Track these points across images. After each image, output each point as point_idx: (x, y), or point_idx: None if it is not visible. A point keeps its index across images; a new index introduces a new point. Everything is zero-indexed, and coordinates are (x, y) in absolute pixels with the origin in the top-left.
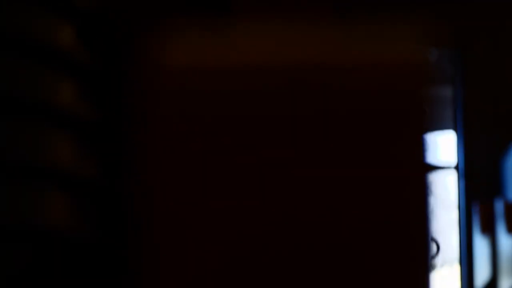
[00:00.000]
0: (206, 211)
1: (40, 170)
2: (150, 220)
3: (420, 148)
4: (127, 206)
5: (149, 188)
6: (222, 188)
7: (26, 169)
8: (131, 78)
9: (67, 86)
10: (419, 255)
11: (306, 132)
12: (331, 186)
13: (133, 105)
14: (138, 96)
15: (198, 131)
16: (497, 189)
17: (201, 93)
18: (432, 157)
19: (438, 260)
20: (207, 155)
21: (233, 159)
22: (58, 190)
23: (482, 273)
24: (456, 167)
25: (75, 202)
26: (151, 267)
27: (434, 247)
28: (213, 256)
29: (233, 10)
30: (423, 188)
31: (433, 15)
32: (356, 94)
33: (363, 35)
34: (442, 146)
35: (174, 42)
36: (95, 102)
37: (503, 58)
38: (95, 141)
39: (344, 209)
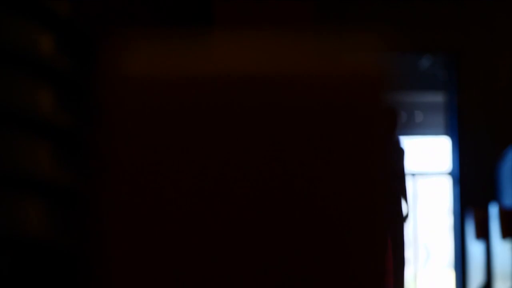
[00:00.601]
0: (159, 214)
1: (16, 179)
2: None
3: (381, 153)
4: (92, 211)
5: (109, 192)
6: (176, 192)
7: (3, 178)
8: (96, 86)
9: (45, 94)
10: (375, 256)
11: (268, 140)
12: (286, 188)
13: (97, 113)
14: (100, 104)
15: (154, 137)
16: (491, 194)
17: (155, 101)
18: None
19: (429, 265)
20: (161, 163)
21: (186, 166)
22: (35, 198)
23: (476, 277)
24: (451, 173)
25: (51, 209)
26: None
27: (425, 252)
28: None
29: (216, 22)
30: (385, 193)
31: (395, 25)
32: (316, 103)
33: (325, 46)
34: (437, 152)
35: (135, 52)
36: (71, 110)
37: (496, 64)
38: (70, 149)
39: (299, 214)
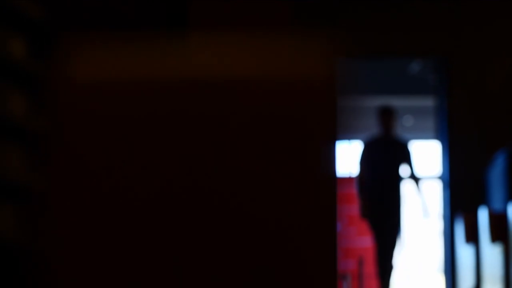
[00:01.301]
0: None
1: None
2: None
3: (325, 156)
4: (48, 211)
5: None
6: (129, 192)
7: None
8: (53, 88)
9: (18, 98)
10: (324, 259)
11: (219, 140)
12: (235, 186)
13: (54, 114)
14: (56, 106)
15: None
16: (481, 198)
17: (107, 103)
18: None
19: (420, 269)
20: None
21: (142, 163)
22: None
23: (466, 281)
24: (441, 177)
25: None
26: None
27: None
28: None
29: (190, 24)
30: (329, 194)
31: (343, 30)
32: (266, 104)
33: (276, 49)
34: (427, 156)
35: (95, 55)
36: (41, 113)
37: (486, 68)
38: (39, 151)
39: (248, 209)
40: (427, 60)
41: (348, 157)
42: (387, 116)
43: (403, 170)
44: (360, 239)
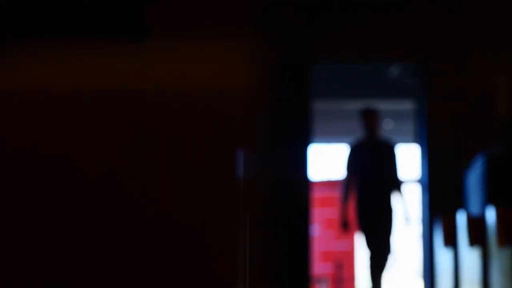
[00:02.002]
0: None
1: None
2: None
3: (235, 164)
4: None
5: None
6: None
7: None
8: None
9: None
10: (227, 264)
11: (143, 146)
12: (141, 197)
13: None
14: None
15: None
16: (459, 202)
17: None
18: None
19: (398, 272)
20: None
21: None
22: None
23: (444, 285)
24: (420, 181)
25: None
26: None
27: (394, 259)
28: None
29: (150, 35)
30: (236, 201)
31: (261, 40)
32: (188, 113)
33: (203, 59)
34: (406, 160)
35: (28, 63)
36: None
37: (465, 72)
38: None
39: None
40: (406, 64)
41: (327, 161)
42: (370, 117)
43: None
44: (338, 242)
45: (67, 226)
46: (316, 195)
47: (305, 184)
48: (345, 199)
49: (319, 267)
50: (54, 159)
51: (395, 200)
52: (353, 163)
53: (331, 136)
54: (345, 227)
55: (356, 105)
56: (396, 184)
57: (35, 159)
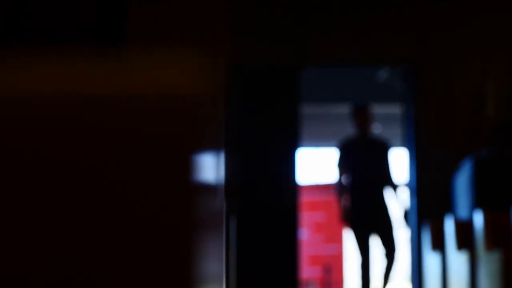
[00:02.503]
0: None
1: None
2: None
3: (187, 169)
4: None
5: None
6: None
7: None
8: None
9: None
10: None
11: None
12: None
13: None
14: None
15: None
16: (447, 206)
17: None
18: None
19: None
20: None
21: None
22: None
23: None
24: (408, 185)
25: None
26: None
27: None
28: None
29: (129, 40)
30: (188, 206)
31: (209, 48)
32: (127, 119)
33: (141, 66)
34: (395, 164)
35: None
36: None
37: (453, 76)
38: None
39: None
40: (394, 68)
41: (315, 165)
42: (362, 114)
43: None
44: (327, 246)
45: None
46: (305, 199)
47: (294, 188)
48: (340, 194)
49: (308, 271)
50: (22, 160)
51: (389, 199)
52: (344, 161)
53: (320, 140)
54: (347, 220)
55: (344, 109)
56: (389, 183)
57: (8, 161)
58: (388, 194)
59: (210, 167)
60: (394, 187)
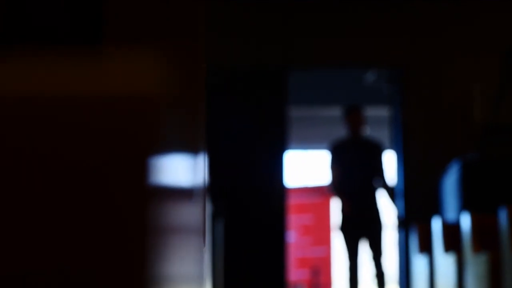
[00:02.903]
0: None
1: None
2: None
3: (144, 172)
4: None
5: None
6: None
7: None
8: None
9: None
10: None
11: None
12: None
13: None
14: None
15: None
16: (435, 208)
17: None
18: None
19: (374, 279)
20: None
21: None
22: None
23: None
24: (395, 187)
25: None
26: None
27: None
28: None
29: (106, 40)
30: (142, 210)
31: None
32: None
33: (102, 66)
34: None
35: None
36: None
37: (440, 79)
38: None
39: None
40: (382, 70)
41: (303, 167)
42: (354, 115)
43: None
44: (315, 248)
45: None
46: (293, 201)
47: (281, 190)
48: (337, 192)
49: (296, 273)
50: None
51: (382, 201)
52: (335, 163)
53: (307, 143)
54: (347, 213)
55: (332, 111)
56: (382, 185)
57: None
58: (380, 197)
59: (181, 170)
60: (388, 189)
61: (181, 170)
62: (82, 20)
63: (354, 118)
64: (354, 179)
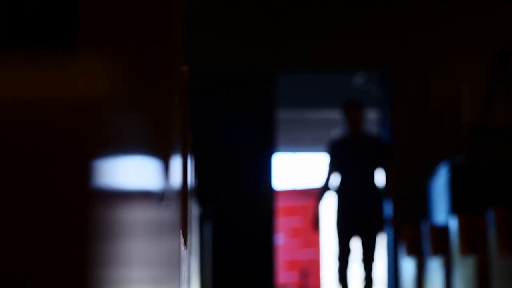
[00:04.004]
0: None
1: None
2: None
3: (86, 175)
4: None
5: None
6: None
7: None
8: None
9: None
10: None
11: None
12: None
13: None
14: None
15: None
16: (423, 211)
17: None
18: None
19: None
20: None
21: None
22: None
23: None
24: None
25: None
26: None
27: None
28: None
29: (79, 43)
30: (84, 213)
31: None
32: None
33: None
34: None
35: None
36: None
37: (429, 81)
38: None
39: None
40: (370, 73)
41: (291, 170)
42: (354, 110)
43: (382, 168)
44: (304, 251)
45: None
46: (281, 204)
47: (270, 192)
48: (320, 197)
49: (285, 276)
50: None
51: (385, 201)
52: (333, 162)
53: (296, 145)
54: (317, 226)
55: (320, 114)
56: (391, 181)
57: None
58: (382, 194)
59: (142, 172)
60: (391, 186)
61: (142, 173)
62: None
63: (353, 114)
64: (352, 177)
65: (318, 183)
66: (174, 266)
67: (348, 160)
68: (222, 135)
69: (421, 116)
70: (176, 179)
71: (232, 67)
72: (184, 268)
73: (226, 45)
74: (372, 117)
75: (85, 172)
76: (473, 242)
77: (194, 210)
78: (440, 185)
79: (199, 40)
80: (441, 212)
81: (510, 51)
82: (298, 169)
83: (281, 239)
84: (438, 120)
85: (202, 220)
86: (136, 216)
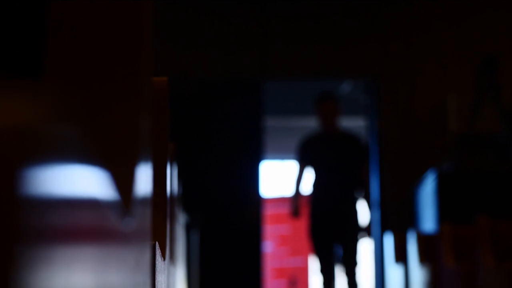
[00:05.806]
0: None
1: None
2: None
3: (13, 184)
4: None
5: None
6: None
7: None
8: None
9: None
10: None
11: None
12: None
13: None
14: None
15: None
16: (410, 219)
17: None
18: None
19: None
20: None
21: None
22: None
23: None
24: (371, 197)
25: None
26: None
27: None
28: None
29: (47, 70)
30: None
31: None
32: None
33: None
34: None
35: None
36: None
37: (416, 89)
38: None
39: None
40: (357, 81)
41: (279, 177)
42: (329, 102)
43: (357, 172)
44: (292, 259)
45: None
46: (269, 211)
47: (258, 200)
48: (296, 188)
49: (273, 284)
50: None
51: (359, 203)
52: (304, 159)
53: (283, 153)
54: (296, 214)
55: (307, 121)
56: (361, 184)
57: None
58: (357, 197)
59: (92, 182)
60: (367, 189)
61: (83, 183)
62: (21, 51)
63: (326, 108)
64: (326, 178)
65: (289, 191)
66: (142, 278)
67: (322, 158)
68: (209, 142)
69: (408, 124)
70: (145, 188)
71: (219, 74)
72: (161, 279)
73: (213, 52)
74: (359, 125)
75: (12, 182)
76: (460, 250)
77: (180, 218)
78: (427, 193)
79: (186, 47)
80: (429, 219)
81: (497, 59)
82: (286, 176)
83: (269, 246)
84: (425, 128)
85: (189, 228)
86: (88, 224)
